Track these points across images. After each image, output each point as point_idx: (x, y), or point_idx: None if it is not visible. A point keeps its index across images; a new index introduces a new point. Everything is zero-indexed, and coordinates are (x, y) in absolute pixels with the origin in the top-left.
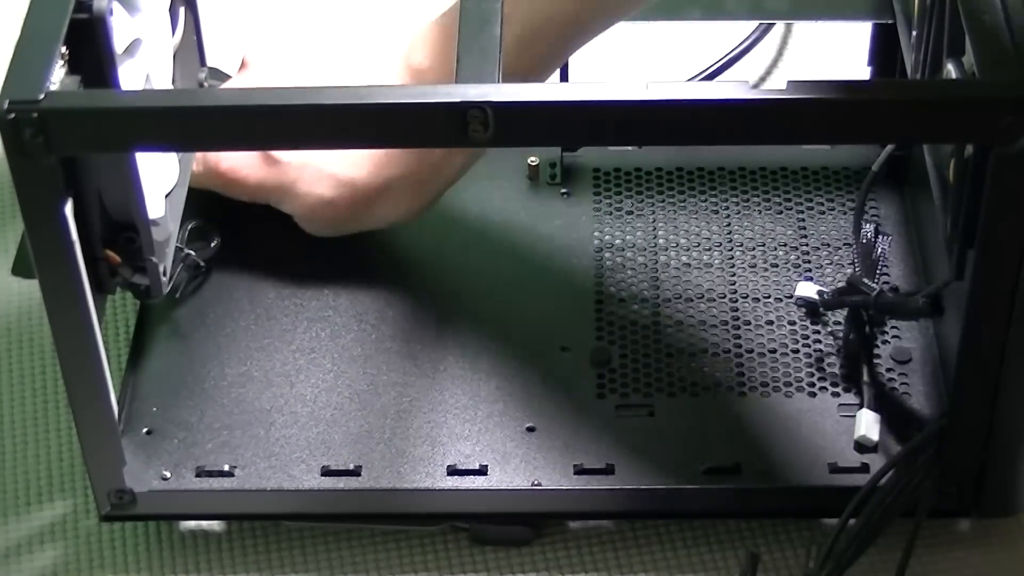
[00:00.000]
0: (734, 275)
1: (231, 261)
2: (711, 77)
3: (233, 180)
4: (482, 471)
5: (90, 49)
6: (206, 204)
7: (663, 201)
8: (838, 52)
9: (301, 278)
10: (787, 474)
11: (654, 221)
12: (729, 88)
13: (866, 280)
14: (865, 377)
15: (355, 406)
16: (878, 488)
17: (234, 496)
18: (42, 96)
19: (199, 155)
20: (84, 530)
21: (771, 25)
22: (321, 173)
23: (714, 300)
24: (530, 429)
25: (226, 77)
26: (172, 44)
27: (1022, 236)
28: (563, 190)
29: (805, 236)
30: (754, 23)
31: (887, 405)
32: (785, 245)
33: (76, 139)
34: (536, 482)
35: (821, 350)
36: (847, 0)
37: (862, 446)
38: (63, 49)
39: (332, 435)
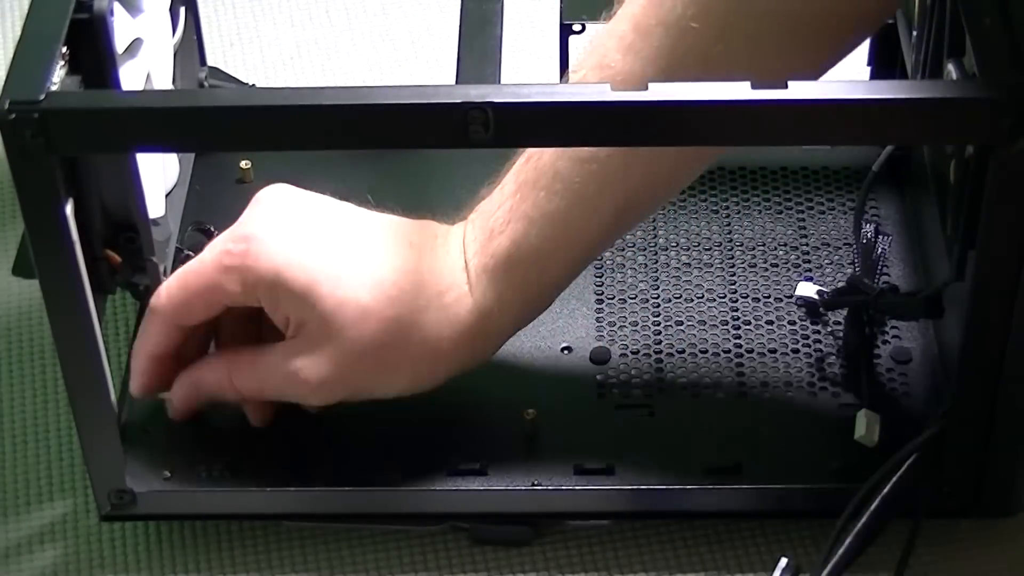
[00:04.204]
0: (734, 275)
1: None
2: None
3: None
4: (482, 471)
5: (91, 49)
6: (206, 204)
7: None
8: None
9: None
10: (787, 474)
11: (654, 221)
12: (729, 88)
13: (866, 280)
14: (865, 377)
15: (355, 406)
16: (878, 488)
17: (234, 496)
18: (43, 96)
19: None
20: (84, 530)
21: None
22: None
23: (714, 300)
24: (530, 429)
25: (227, 77)
26: (172, 44)
27: (1022, 236)
28: None
29: (805, 236)
30: None
31: (887, 405)
32: (785, 245)
33: (76, 139)
34: (536, 482)
35: (821, 350)
36: None
37: (862, 446)
38: (64, 49)
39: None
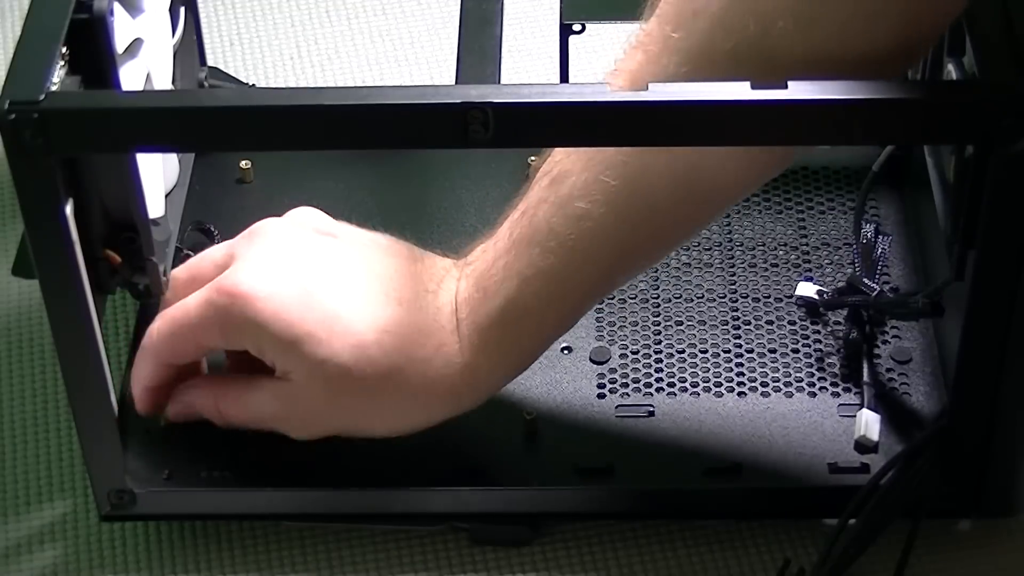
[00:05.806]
0: (734, 275)
1: None
2: None
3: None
4: (482, 471)
5: (90, 49)
6: (206, 204)
7: None
8: None
9: None
10: (787, 474)
11: None
12: (729, 88)
13: (866, 280)
14: (865, 377)
15: None
16: (878, 488)
17: (234, 496)
18: (42, 97)
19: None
20: (84, 530)
21: None
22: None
23: (714, 300)
24: (530, 429)
25: (227, 77)
26: (172, 44)
27: (1022, 236)
28: None
29: (805, 236)
30: None
31: (887, 405)
32: (785, 245)
33: (76, 139)
34: (536, 482)
35: (821, 350)
36: None
37: (862, 446)
38: (63, 49)
39: None
